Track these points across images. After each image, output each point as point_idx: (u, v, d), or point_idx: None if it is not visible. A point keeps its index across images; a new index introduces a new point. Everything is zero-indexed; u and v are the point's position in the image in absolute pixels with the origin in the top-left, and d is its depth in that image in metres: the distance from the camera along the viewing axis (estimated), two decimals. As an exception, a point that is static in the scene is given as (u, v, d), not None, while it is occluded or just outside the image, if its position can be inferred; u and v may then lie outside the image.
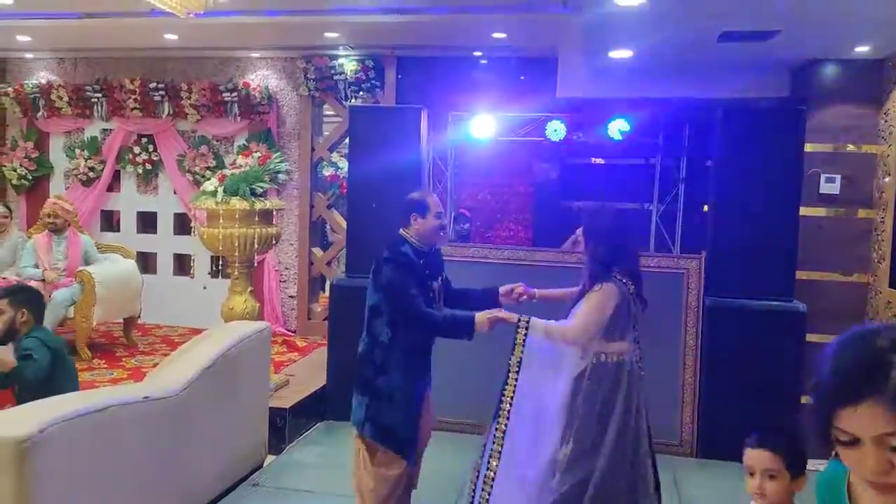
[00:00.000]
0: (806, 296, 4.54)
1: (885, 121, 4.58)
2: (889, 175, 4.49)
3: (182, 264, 6.98)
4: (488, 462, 2.77)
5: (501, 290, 3.10)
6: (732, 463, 4.26)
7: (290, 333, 6.42)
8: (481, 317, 2.79)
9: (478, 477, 2.78)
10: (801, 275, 4.61)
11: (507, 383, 2.81)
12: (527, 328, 2.77)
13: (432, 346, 2.97)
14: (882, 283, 4.50)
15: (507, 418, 2.77)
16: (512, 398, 2.79)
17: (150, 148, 6.78)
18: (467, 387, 4.12)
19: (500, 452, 2.76)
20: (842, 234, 4.75)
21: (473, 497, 2.78)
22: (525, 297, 3.09)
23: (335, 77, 6.18)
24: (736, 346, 4.41)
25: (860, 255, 4.73)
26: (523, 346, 2.79)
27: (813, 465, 4.75)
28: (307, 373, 5.14)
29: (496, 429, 2.78)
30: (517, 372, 2.79)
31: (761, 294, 4.46)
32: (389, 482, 2.90)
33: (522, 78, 5.85)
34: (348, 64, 6.13)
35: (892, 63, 4.51)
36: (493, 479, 2.74)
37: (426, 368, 2.97)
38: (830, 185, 4.74)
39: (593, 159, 6.22)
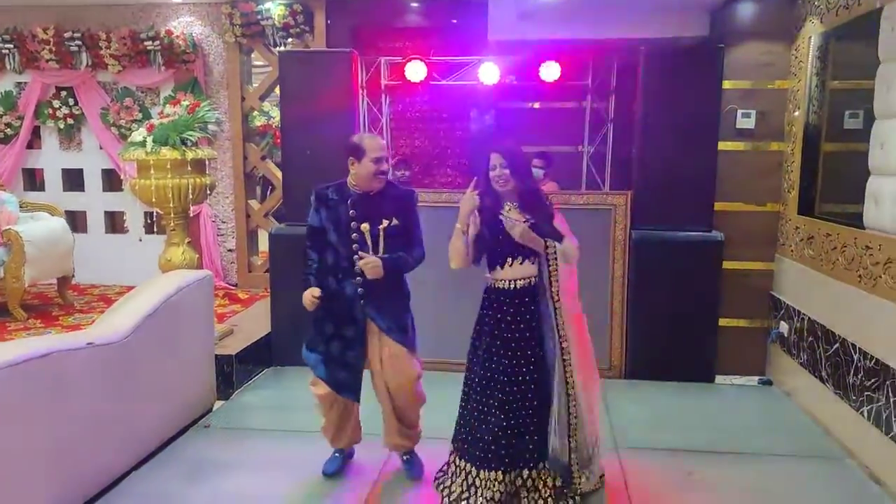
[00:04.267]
0: (723, 225, 4.84)
1: (796, 57, 4.83)
2: (798, 109, 4.77)
3: (114, 222, 6.81)
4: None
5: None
6: (658, 382, 4.65)
7: (231, 287, 6.41)
8: (307, 294, 2.96)
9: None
10: (719, 206, 4.88)
11: (556, 315, 2.80)
12: (556, 253, 2.79)
13: (345, 290, 3.00)
14: (791, 210, 4.82)
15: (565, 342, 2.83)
16: (563, 323, 2.81)
17: (71, 101, 6.50)
18: (443, 328, 4.14)
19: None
20: (756, 166, 5.03)
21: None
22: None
23: (262, 23, 6.04)
24: (659, 274, 4.69)
25: (773, 185, 5.03)
26: (557, 271, 2.80)
27: (729, 380, 5.13)
28: (251, 322, 5.19)
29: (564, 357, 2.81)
30: (557, 300, 2.81)
31: (683, 225, 4.74)
32: (318, 399, 3.15)
33: (454, 21, 5.85)
34: (275, 9, 5.99)
35: (802, 1, 4.73)
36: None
37: (336, 310, 3.02)
38: (746, 121, 4.98)
39: (528, 103, 6.33)
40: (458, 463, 2.96)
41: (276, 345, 4.93)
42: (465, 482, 2.89)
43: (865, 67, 3.76)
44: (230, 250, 6.57)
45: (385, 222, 2.98)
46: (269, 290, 5.11)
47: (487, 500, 2.82)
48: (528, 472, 2.87)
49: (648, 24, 5.24)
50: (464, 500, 2.88)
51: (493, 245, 2.86)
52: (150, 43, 6.19)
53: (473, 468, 2.87)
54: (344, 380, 3.06)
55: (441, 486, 3.02)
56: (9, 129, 6.54)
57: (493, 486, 2.83)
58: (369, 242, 2.97)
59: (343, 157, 3.04)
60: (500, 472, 2.84)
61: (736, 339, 5.09)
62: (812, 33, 4.56)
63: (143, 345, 3.19)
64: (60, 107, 6.49)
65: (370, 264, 2.91)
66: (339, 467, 3.31)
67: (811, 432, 3.99)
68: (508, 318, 2.86)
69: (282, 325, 4.91)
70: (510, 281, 2.87)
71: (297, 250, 4.73)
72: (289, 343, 4.87)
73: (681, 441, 3.78)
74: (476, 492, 2.85)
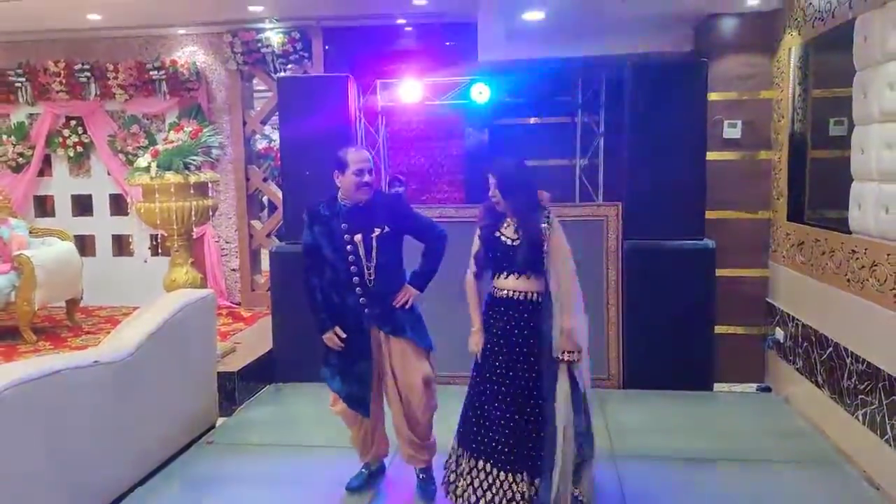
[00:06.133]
0: (715, 234, 4.90)
1: (778, 67, 4.95)
2: (783, 118, 4.87)
3: (121, 245, 6.99)
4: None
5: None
6: (656, 391, 4.69)
7: (234, 306, 6.54)
8: (330, 335, 3.03)
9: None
10: (710, 215, 4.94)
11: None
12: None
13: (347, 302, 3.05)
14: (781, 217, 4.89)
15: None
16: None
17: (80, 130, 6.72)
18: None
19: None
20: (745, 174, 5.12)
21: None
22: None
23: (262, 50, 6.25)
24: (653, 283, 4.73)
25: (762, 193, 5.11)
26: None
27: (727, 387, 5.11)
28: (253, 340, 5.30)
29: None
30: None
31: (675, 234, 4.80)
32: (340, 417, 3.21)
33: (448, 43, 6.02)
34: (275, 37, 6.19)
35: (781, 14, 4.86)
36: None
37: (342, 323, 3.07)
38: (733, 131, 5.09)
39: (521, 119, 6.47)
40: (472, 463, 2.95)
41: (278, 362, 5.02)
42: (485, 482, 2.90)
43: (844, 76, 3.86)
44: (234, 270, 6.72)
45: (377, 230, 3.00)
46: (270, 308, 5.23)
47: (508, 501, 2.86)
48: (532, 481, 2.89)
49: (634, 41, 5.36)
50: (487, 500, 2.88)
51: (488, 259, 2.99)
52: (156, 72, 6.41)
53: (494, 468, 2.89)
54: (355, 393, 3.10)
55: (456, 489, 3.00)
56: (21, 159, 6.76)
57: (514, 487, 2.87)
58: (362, 253, 3.02)
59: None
60: (517, 474, 2.88)
61: (734, 347, 5.13)
62: (792, 45, 4.68)
63: (146, 362, 3.30)
64: (70, 135, 6.70)
65: (408, 297, 3.09)
66: (363, 483, 3.30)
67: (810, 438, 4.00)
68: (501, 324, 2.95)
69: (283, 343, 5.01)
70: (506, 291, 2.96)
71: (297, 267, 4.88)
72: (290, 360, 4.97)
73: (680, 449, 3.80)
74: (497, 492, 2.87)
